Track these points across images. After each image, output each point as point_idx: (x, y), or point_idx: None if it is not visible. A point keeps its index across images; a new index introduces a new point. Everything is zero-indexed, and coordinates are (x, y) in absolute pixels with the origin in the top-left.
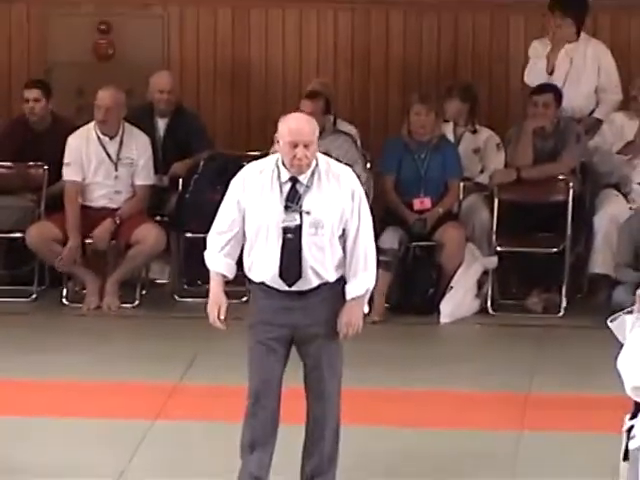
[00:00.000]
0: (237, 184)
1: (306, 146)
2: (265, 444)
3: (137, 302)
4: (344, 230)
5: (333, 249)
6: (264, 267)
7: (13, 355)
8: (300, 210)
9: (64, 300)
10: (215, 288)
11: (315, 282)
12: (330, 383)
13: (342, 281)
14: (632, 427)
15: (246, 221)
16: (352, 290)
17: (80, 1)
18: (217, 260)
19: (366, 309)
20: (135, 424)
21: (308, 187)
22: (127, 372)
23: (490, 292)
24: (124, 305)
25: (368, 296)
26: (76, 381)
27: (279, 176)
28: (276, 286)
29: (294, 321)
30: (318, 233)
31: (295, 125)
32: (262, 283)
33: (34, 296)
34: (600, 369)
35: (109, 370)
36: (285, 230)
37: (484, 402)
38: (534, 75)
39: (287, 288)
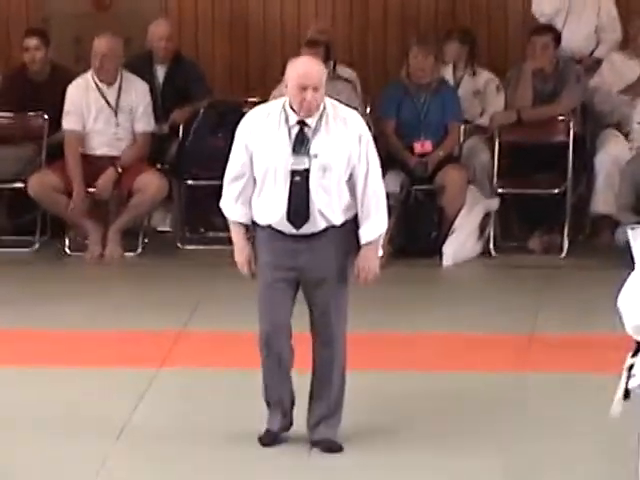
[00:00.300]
0: (244, 128)
1: (315, 89)
2: (283, 385)
3: (140, 250)
4: (351, 174)
5: (340, 192)
6: (271, 210)
7: (15, 304)
8: (308, 153)
9: (66, 249)
10: (237, 237)
11: (322, 225)
12: (337, 328)
13: (348, 224)
14: (632, 365)
15: (254, 164)
16: (366, 234)
17: None
18: (235, 210)
19: (380, 252)
20: (140, 372)
21: (316, 130)
22: (130, 320)
23: (492, 234)
24: (127, 254)
25: (382, 240)
26: (79, 330)
27: (287, 119)
28: (283, 229)
29: (301, 264)
30: (326, 176)
31: (303, 68)
32: (269, 226)
33: (36, 246)
34: (603, 309)
35: (112, 319)
36: (293, 173)
37: (488, 344)
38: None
39: (294, 231)
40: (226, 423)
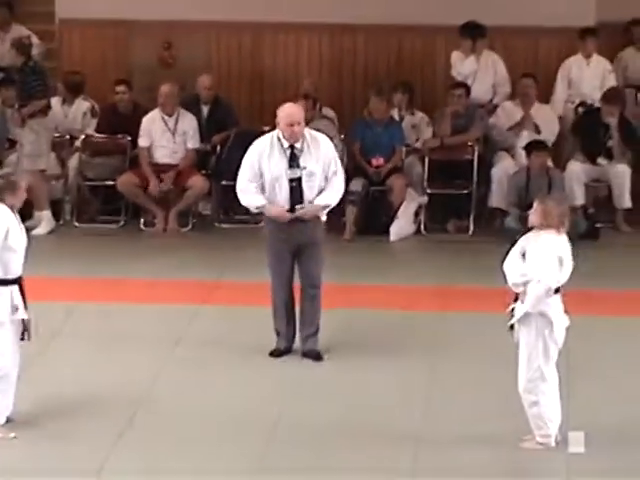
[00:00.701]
0: (253, 153)
1: (298, 124)
2: (289, 316)
3: (190, 227)
4: (326, 176)
5: (320, 187)
6: (279, 203)
7: (107, 262)
8: (299, 166)
9: (141, 226)
10: (271, 208)
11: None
12: (318, 274)
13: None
14: (513, 309)
15: (264, 176)
16: (319, 199)
17: (151, 27)
18: (258, 200)
19: (324, 218)
20: (190, 307)
21: (302, 150)
22: (183, 273)
23: (423, 220)
24: (181, 229)
25: (326, 209)
26: (149, 279)
27: (282, 145)
28: None
29: (298, 235)
30: (311, 179)
31: (290, 111)
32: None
33: (122, 223)
34: (497, 271)
35: (172, 272)
36: (291, 180)
37: (416, 292)
38: (457, 70)
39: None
40: (249, 343)
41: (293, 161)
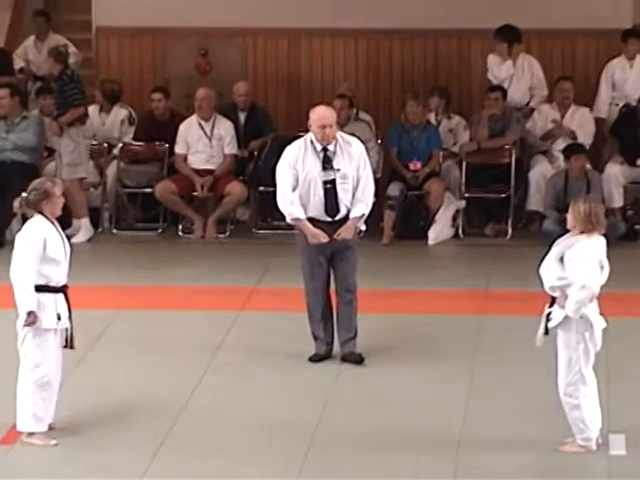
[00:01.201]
0: (287, 157)
1: (330, 126)
2: (326, 320)
3: (228, 233)
4: (358, 178)
5: (354, 190)
6: (314, 207)
7: (146, 269)
8: (333, 168)
9: (180, 232)
10: (306, 226)
11: (345, 212)
12: (354, 279)
13: None
14: (550, 312)
15: (299, 179)
16: (352, 213)
17: (187, 34)
18: (297, 211)
19: (363, 227)
20: (228, 313)
21: (335, 153)
22: (222, 279)
23: (461, 224)
24: (219, 235)
25: (363, 219)
26: (188, 285)
27: (315, 148)
28: (322, 219)
29: (331, 240)
30: (345, 182)
31: (322, 114)
32: (312, 218)
33: (160, 230)
34: (535, 274)
35: (209, 278)
36: (325, 182)
37: (457, 296)
38: (494, 74)
39: (329, 219)
40: (289, 349)
41: (327, 163)
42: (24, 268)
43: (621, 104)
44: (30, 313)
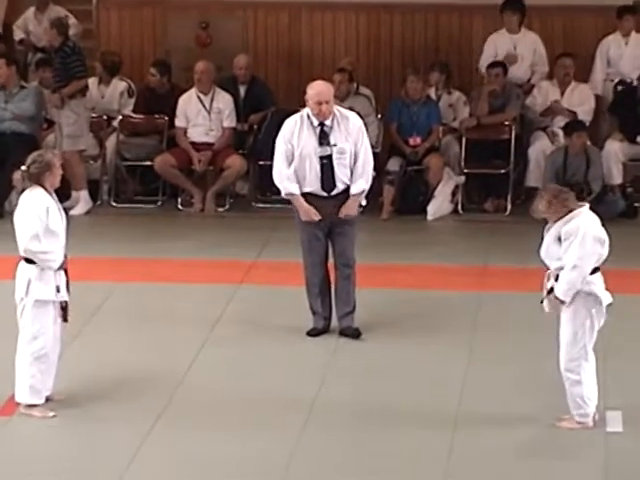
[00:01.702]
0: (284, 132)
1: (327, 102)
2: (324, 295)
3: (227, 207)
4: (356, 153)
5: (352, 165)
6: (310, 182)
7: (145, 242)
8: (329, 144)
9: (179, 206)
10: (299, 202)
11: (342, 188)
12: (352, 253)
13: None
14: (552, 288)
15: (295, 154)
16: (352, 190)
17: (188, 7)
18: (291, 187)
19: (363, 202)
20: (228, 286)
21: (332, 128)
22: (221, 252)
23: (460, 199)
24: (219, 209)
25: (363, 194)
26: (186, 258)
27: (311, 123)
28: (318, 194)
29: (330, 212)
30: (343, 157)
31: (318, 89)
32: (309, 193)
33: (159, 203)
34: (534, 250)
35: (209, 251)
36: (321, 158)
37: (455, 271)
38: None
39: (326, 194)
40: (287, 323)
41: (323, 139)
42: (32, 237)
43: (616, 80)
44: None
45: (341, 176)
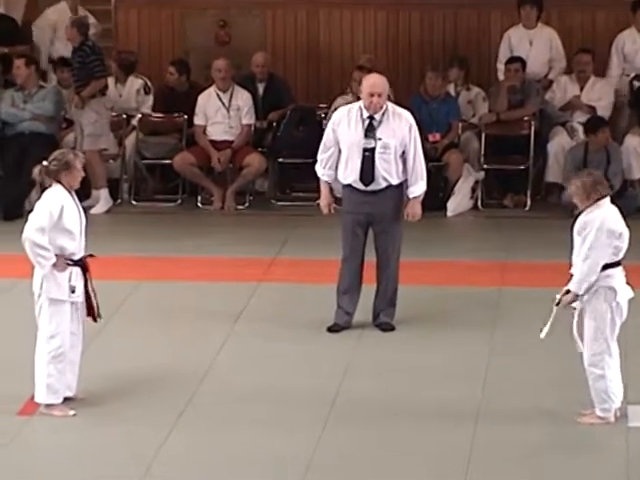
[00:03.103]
0: (335, 118)
1: (379, 95)
2: (352, 291)
3: (247, 204)
4: (404, 152)
5: (397, 163)
6: (351, 173)
7: (165, 240)
8: (374, 137)
9: (199, 204)
10: (324, 189)
11: (383, 184)
12: (393, 255)
13: (401, 186)
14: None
15: (341, 143)
16: (414, 191)
17: (207, 6)
18: (323, 172)
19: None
20: (248, 284)
21: (380, 122)
22: (242, 250)
23: (479, 195)
24: (238, 207)
25: (422, 196)
26: (207, 256)
27: (362, 115)
28: (357, 186)
29: (369, 210)
30: (386, 152)
31: (373, 81)
32: (349, 185)
33: (179, 201)
34: (554, 245)
35: (229, 249)
36: (364, 150)
37: (477, 267)
38: (504, 53)
39: (364, 188)
40: (307, 320)
41: (370, 131)
42: (37, 228)
43: (632, 75)
44: (54, 265)
45: (382, 171)
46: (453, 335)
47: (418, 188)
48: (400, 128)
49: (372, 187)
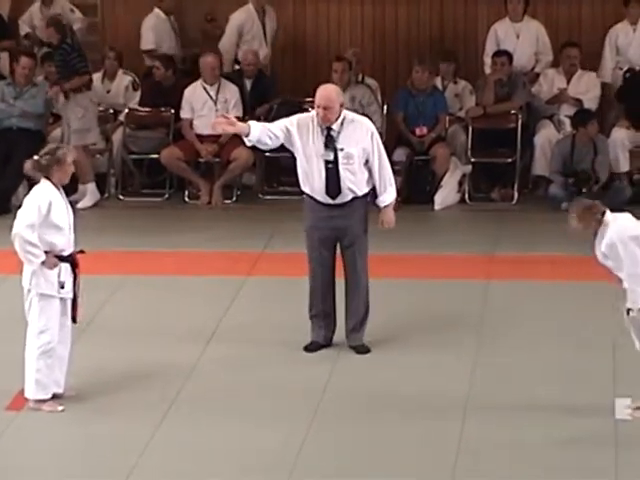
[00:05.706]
0: (295, 121)
1: (329, 108)
2: (326, 316)
3: (234, 199)
4: (367, 160)
5: (361, 173)
6: (314, 186)
7: (152, 234)
8: (335, 148)
9: (186, 198)
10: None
11: (349, 196)
12: (360, 263)
13: (367, 195)
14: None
15: (299, 154)
16: (385, 200)
17: (195, 0)
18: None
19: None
20: (235, 279)
21: (339, 132)
22: (228, 244)
23: (467, 188)
24: (226, 201)
25: (394, 202)
26: (194, 251)
27: (321, 125)
28: (322, 200)
29: (336, 225)
30: (349, 162)
31: (322, 93)
32: (316, 200)
33: (166, 196)
34: (542, 238)
35: (216, 243)
36: (326, 161)
37: (463, 260)
38: (491, 46)
39: (331, 201)
40: (295, 314)
41: (329, 141)
42: (27, 225)
43: (625, 68)
44: (43, 262)
45: (347, 182)
46: (440, 328)
47: (388, 196)
48: (361, 136)
49: (338, 200)
